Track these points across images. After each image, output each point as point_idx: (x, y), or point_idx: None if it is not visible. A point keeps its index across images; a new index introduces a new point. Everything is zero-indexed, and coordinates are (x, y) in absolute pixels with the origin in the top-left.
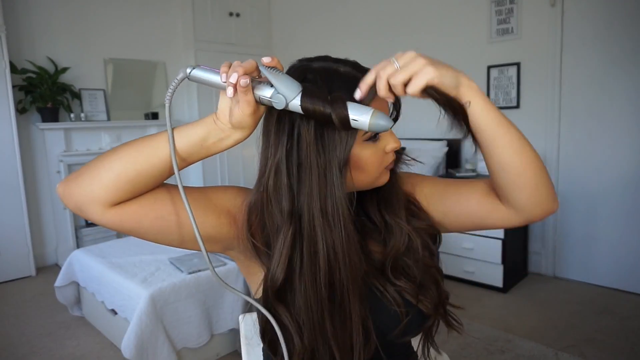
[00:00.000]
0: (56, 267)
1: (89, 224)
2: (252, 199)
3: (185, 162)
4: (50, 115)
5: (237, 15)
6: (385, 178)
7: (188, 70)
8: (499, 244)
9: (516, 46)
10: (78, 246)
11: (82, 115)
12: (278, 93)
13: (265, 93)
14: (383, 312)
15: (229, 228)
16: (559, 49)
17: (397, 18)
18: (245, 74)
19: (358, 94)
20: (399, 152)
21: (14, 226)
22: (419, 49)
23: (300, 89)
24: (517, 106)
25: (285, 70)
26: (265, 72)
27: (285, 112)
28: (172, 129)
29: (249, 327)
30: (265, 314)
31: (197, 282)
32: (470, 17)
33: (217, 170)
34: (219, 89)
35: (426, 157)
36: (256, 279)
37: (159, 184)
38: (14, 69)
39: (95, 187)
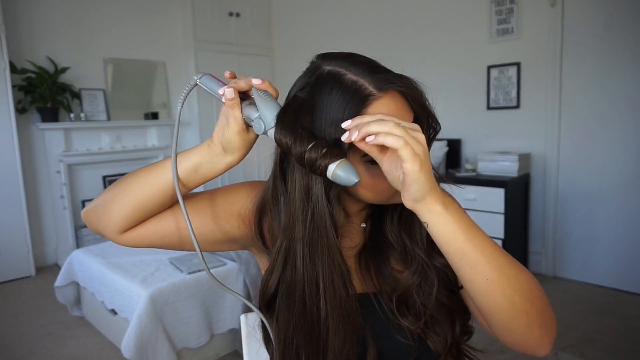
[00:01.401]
0: (56, 267)
1: None
2: (259, 199)
3: (182, 190)
4: (50, 115)
5: (237, 15)
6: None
7: (198, 77)
8: (499, 244)
9: (516, 46)
10: (78, 246)
11: (82, 115)
12: (260, 118)
13: (252, 114)
14: (390, 336)
15: (241, 230)
16: (559, 49)
17: (398, 18)
18: (244, 89)
19: (345, 136)
20: None
21: (13, 226)
22: (420, 49)
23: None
24: (517, 106)
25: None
26: (254, 93)
27: None
28: (167, 158)
29: (250, 327)
30: (261, 317)
31: (197, 282)
32: (470, 17)
33: None
34: (218, 98)
35: None
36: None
37: (164, 209)
38: (13, 68)
39: (107, 218)
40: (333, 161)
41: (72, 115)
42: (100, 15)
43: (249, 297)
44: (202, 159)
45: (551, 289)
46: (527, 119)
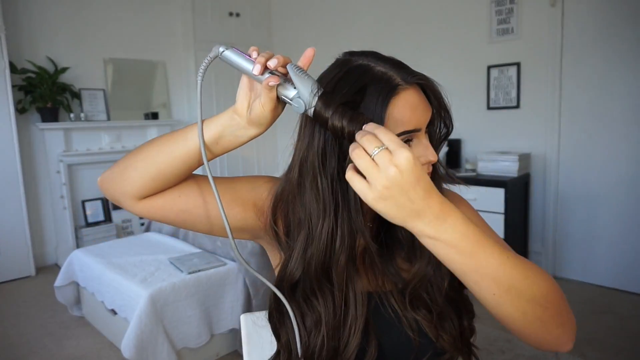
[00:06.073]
0: (56, 267)
1: (89, 224)
2: (279, 188)
3: (199, 162)
4: (50, 115)
5: (237, 15)
6: None
7: (221, 50)
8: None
9: (516, 46)
10: (78, 246)
11: (82, 115)
12: (299, 97)
13: (289, 93)
14: (394, 334)
15: (255, 220)
16: (559, 49)
17: (398, 18)
18: (279, 68)
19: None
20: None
21: (13, 226)
22: (420, 49)
23: (320, 94)
24: (517, 106)
25: (331, 63)
26: (291, 72)
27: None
28: (189, 126)
29: (249, 327)
30: (283, 301)
31: (197, 282)
32: (470, 17)
33: (217, 171)
34: (245, 74)
35: None
36: (276, 265)
37: (182, 179)
38: (13, 68)
39: (124, 184)
40: None
41: (72, 115)
42: (100, 15)
43: (249, 298)
44: (224, 130)
45: None
46: (527, 119)
